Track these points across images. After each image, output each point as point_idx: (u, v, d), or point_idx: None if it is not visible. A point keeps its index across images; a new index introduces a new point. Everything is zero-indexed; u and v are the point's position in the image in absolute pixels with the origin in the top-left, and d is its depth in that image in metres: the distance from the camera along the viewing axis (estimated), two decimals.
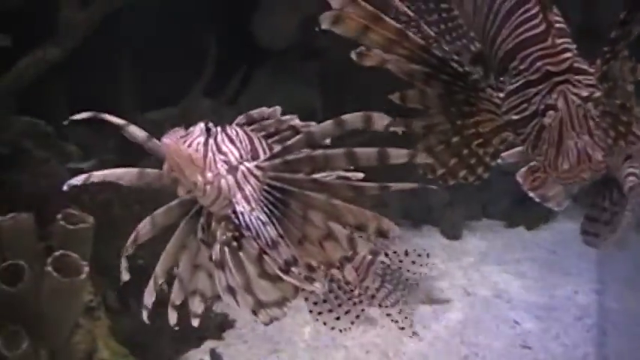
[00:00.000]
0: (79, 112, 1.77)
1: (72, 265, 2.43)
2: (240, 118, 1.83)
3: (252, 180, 1.67)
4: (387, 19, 1.69)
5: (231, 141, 1.70)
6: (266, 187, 1.65)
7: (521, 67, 1.75)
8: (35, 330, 2.48)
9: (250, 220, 1.63)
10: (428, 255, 2.27)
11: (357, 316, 2.35)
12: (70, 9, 3.19)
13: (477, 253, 4.88)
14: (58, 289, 2.43)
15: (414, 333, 2.30)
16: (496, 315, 4.06)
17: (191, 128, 1.67)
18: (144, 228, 1.78)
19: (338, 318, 2.32)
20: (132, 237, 1.78)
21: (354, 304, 2.36)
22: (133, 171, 1.76)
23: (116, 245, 3.02)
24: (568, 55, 1.71)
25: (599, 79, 1.71)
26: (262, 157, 1.70)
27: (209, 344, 3.55)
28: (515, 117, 1.75)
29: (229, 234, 1.69)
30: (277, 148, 1.70)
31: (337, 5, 1.64)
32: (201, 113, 4.02)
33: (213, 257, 1.69)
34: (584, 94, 1.66)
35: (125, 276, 1.77)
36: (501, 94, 1.79)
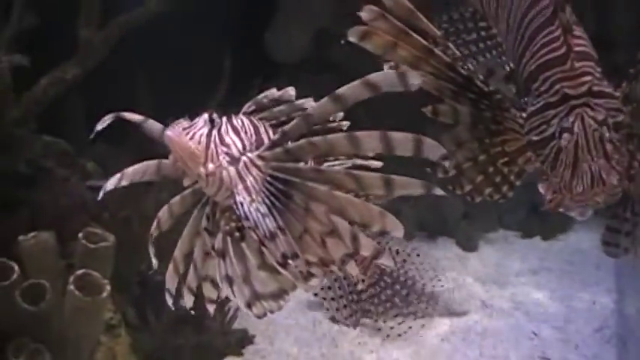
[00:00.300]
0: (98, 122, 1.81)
1: (93, 283, 2.45)
2: (249, 105, 1.83)
3: (255, 171, 1.65)
4: (415, 35, 1.70)
5: (236, 131, 1.69)
6: (268, 178, 1.63)
7: (542, 88, 1.76)
8: (57, 348, 2.49)
9: (250, 211, 1.61)
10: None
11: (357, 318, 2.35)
12: (88, 29, 3.21)
13: (493, 265, 4.85)
14: (79, 308, 2.44)
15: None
16: (514, 326, 4.03)
17: (196, 119, 1.68)
18: (164, 216, 1.83)
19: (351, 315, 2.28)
20: (154, 224, 1.83)
21: (358, 303, 2.35)
22: (152, 164, 1.80)
23: (135, 262, 3.06)
24: (587, 78, 1.72)
25: (622, 101, 1.71)
26: None
27: None
28: (535, 138, 1.76)
29: (232, 224, 1.70)
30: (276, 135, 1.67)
31: (367, 18, 1.65)
32: None
33: (216, 246, 1.71)
34: (600, 117, 1.66)
35: (154, 261, 1.79)
36: (524, 114, 1.80)
